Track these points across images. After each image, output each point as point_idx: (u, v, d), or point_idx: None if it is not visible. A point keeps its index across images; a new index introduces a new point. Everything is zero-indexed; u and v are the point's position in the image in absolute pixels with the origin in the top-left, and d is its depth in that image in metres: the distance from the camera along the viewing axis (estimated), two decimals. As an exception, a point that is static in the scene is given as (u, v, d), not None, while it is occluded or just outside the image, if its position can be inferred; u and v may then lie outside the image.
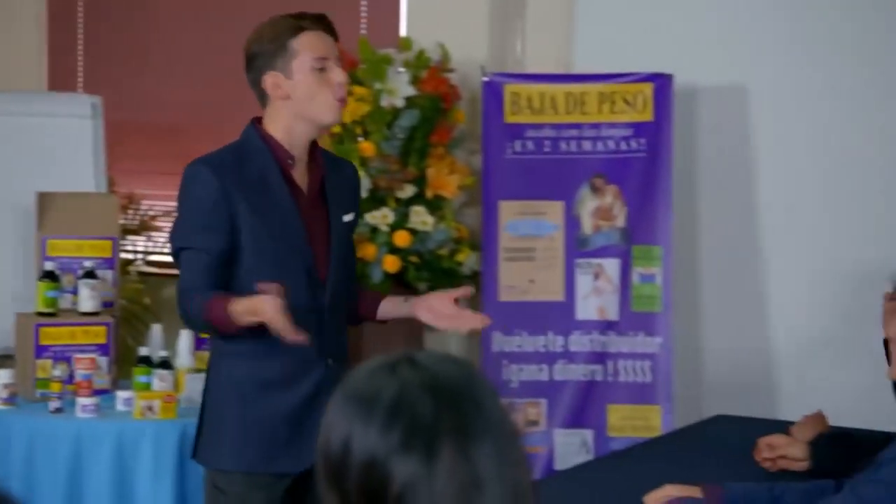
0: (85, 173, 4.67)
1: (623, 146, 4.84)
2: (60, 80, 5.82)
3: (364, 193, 4.89)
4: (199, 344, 4.40)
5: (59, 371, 4.25)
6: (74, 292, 4.42)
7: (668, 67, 4.82)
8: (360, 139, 4.96)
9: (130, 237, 5.73)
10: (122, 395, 4.19)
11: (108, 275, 4.51)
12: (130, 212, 5.76)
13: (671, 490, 2.78)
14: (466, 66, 5.09)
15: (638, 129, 4.82)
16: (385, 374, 1.41)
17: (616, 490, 3.12)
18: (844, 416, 3.65)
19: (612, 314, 4.82)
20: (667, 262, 4.80)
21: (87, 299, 4.39)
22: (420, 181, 4.95)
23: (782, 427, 3.45)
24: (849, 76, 4.79)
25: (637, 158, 4.82)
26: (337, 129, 4.95)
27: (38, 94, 5.60)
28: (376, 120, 4.92)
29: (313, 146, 3.17)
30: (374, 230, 4.88)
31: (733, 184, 4.97)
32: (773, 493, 2.78)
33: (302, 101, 3.08)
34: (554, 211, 4.87)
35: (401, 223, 4.90)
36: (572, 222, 4.86)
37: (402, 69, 4.98)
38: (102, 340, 4.40)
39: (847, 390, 4.58)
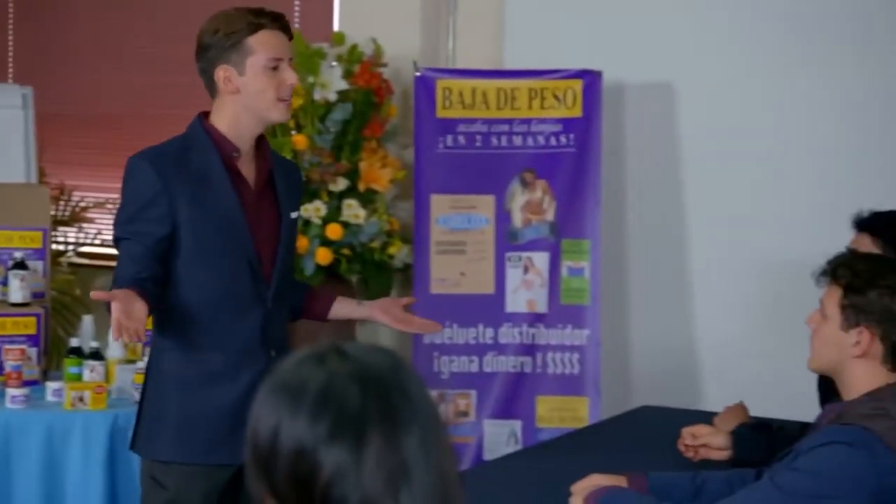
0: (15, 164, 4.65)
1: (553, 141, 4.90)
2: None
3: (297, 186, 4.92)
4: (130, 335, 4.39)
5: (-13, 362, 4.23)
6: (4, 283, 4.40)
7: (597, 64, 4.88)
8: (293, 132, 4.98)
9: (61, 228, 5.71)
10: (52, 385, 4.18)
11: (38, 265, 4.49)
12: (62, 203, 5.74)
13: (598, 479, 2.81)
14: (399, 60, 5.12)
15: (567, 124, 4.88)
16: (313, 365, 1.42)
17: (544, 480, 3.16)
18: (765, 407, 3.71)
19: (542, 307, 4.88)
20: (595, 256, 4.87)
21: (17, 290, 4.37)
22: (352, 174, 4.98)
23: (706, 417, 3.51)
24: (772, 73, 4.87)
25: (566, 154, 4.89)
26: (270, 122, 4.97)
27: (-31, 84, 5.56)
28: (309, 113, 4.95)
29: (260, 140, 3.18)
30: (307, 223, 4.90)
31: (660, 179, 5.04)
32: (696, 482, 2.84)
33: (251, 98, 3.07)
34: (485, 205, 4.92)
35: (333, 216, 4.92)
36: (503, 216, 4.91)
37: (334, 63, 5.00)
38: (32, 331, 4.38)
39: (768, 382, 4.67)
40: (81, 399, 4.06)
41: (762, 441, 3.23)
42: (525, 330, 4.88)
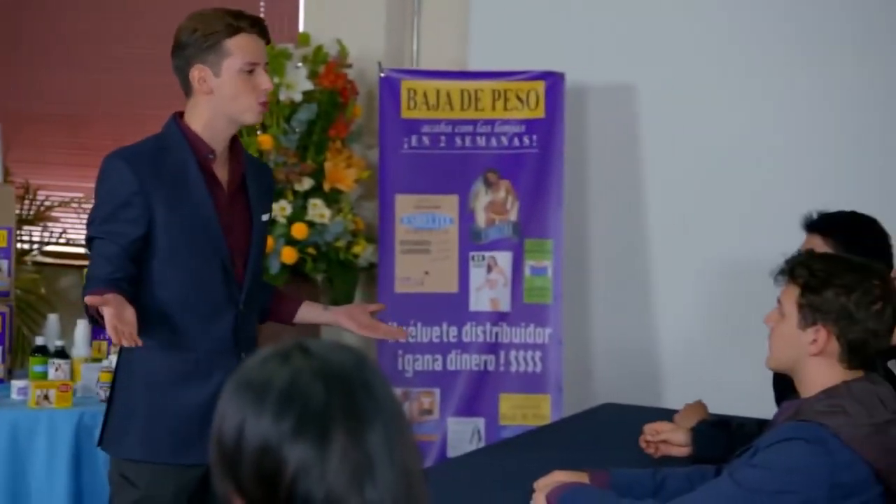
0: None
1: (516, 142, 4.94)
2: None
3: (262, 186, 4.94)
4: (95, 334, 4.40)
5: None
6: (-31, 282, 4.39)
7: (560, 66, 4.92)
8: (258, 132, 4.99)
9: (26, 227, 5.70)
10: (17, 384, 4.17)
11: (3, 264, 4.48)
12: (26, 202, 5.72)
13: (560, 476, 2.83)
14: (363, 61, 5.14)
15: (530, 125, 4.92)
16: (277, 363, 1.43)
17: (507, 476, 3.17)
18: (724, 405, 3.75)
19: (505, 306, 4.92)
20: (557, 256, 4.91)
21: (-18, 289, 4.37)
22: (318, 174, 5.00)
23: (666, 415, 3.53)
24: (732, 74, 4.92)
25: (529, 154, 4.93)
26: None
27: None
28: (275, 114, 4.97)
29: (234, 142, 3.18)
30: (272, 222, 4.92)
31: (622, 179, 5.09)
32: (656, 478, 2.86)
33: (225, 100, 3.07)
34: (449, 205, 4.95)
35: (298, 215, 4.94)
36: (466, 216, 4.95)
37: (300, 64, 5.03)
38: (-3, 330, 4.38)
39: (727, 380, 4.71)
40: (46, 397, 4.06)
41: (721, 438, 3.26)
42: (488, 328, 4.92)
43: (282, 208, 4.91)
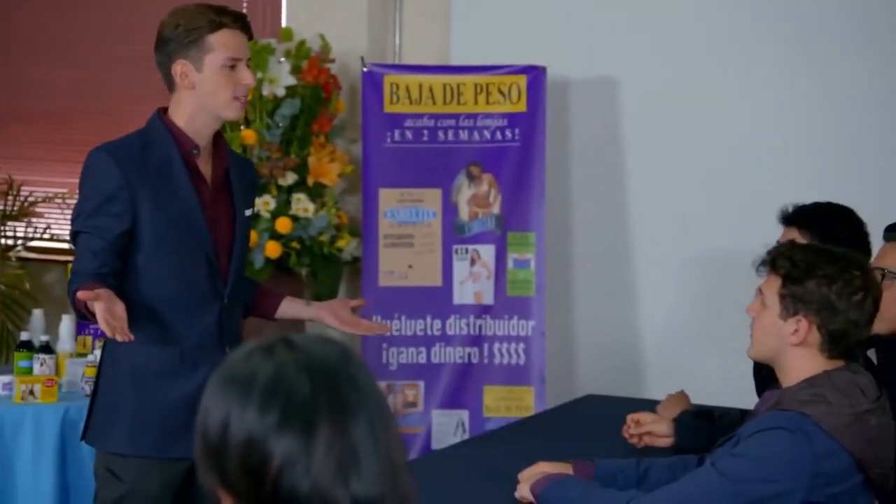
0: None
1: (498, 136, 4.95)
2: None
3: (246, 181, 4.95)
4: (80, 329, 4.41)
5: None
6: (-46, 278, 4.39)
7: (542, 60, 4.94)
8: (242, 127, 5.00)
9: (10, 223, 5.70)
10: (2, 379, 4.16)
11: (-13, 261, 4.48)
12: (10, 197, 5.72)
13: (544, 467, 2.84)
14: (346, 56, 5.15)
15: (512, 119, 4.94)
16: (261, 357, 1.43)
17: (491, 468, 3.18)
18: (706, 395, 3.77)
19: (488, 298, 4.94)
20: (540, 248, 4.93)
21: (-33, 285, 4.37)
22: (301, 169, 5.01)
23: (649, 406, 3.56)
24: (712, 67, 4.94)
25: (512, 148, 4.95)
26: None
27: None
28: (258, 109, 4.98)
29: (218, 138, 3.19)
30: (256, 217, 4.93)
31: (604, 173, 5.11)
32: (640, 468, 2.88)
33: (206, 95, 3.08)
34: (432, 198, 4.97)
35: (282, 210, 4.96)
36: (450, 209, 4.96)
37: (283, 59, 5.03)
38: (-18, 325, 4.37)
39: (709, 370, 4.74)
40: (32, 392, 4.06)
41: (704, 428, 3.28)
42: (472, 321, 4.94)
43: (265, 203, 4.92)
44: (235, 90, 3.08)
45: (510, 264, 4.95)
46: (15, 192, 5.73)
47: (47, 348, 4.25)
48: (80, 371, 4.21)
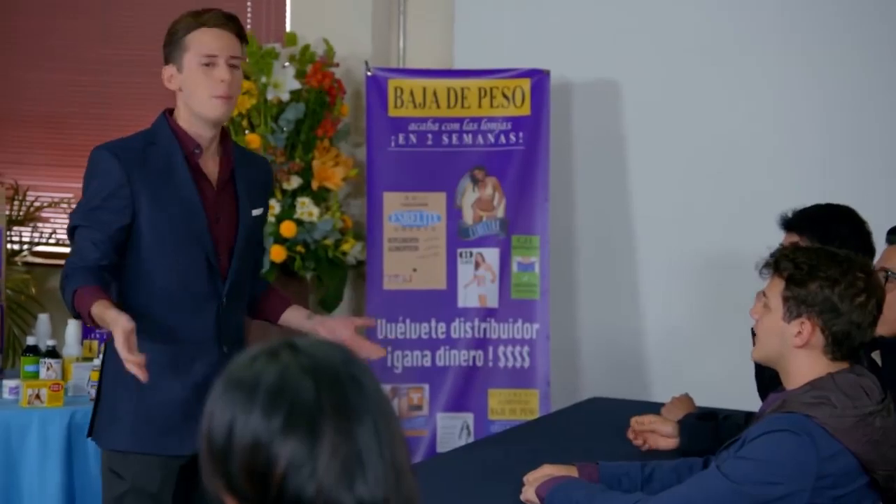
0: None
1: (502, 139, 4.97)
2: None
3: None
4: (86, 333, 4.41)
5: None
6: (-40, 283, 4.40)
7: (545, 64, 4.95)
8: (246, 132, 5.02)
9: (16, 228, 5.71)
10: (8, 383, 4.18)
11: (-7, 266, 4.50)
12: (16, 202, 5.73)
13: (549, 469, 2.85)
14: (350, 61, 5.17)
15: (516, 122, 4.95)
16: (266, 360, 1.43)
17: (496, 471, 3.19)
18: (711, 398, 3.78)
19: (493, 301, 4.95)
20: (544, 252, 4.94)
21: (-26, 290, 4.37)
22: (306, 173, 5.02)
23: (653, 408, 3.57)
24: (715, 70, 4.95)
25: (516, 151, 4.96)
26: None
27: None
28: (262, 113, 4.99)
29: (225, 137, 3.20)
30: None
31: (607, 175, 5.11)
32: (644, 471, 2.88)
33: (188, 95, 3.10)
34: (436, 202, 4.98)
35: (287, 214, 4.97)
36: (454, 213, 4.97)
37: (287, 64, 5.05)
38: (-11, 330, 4.39)
39: (713, 373, 4.75)
40: (38, 396, 4.07)
41: (708, 430, 3.28)
42: (476, 324, 4.95)
43: (270, 207, 4.92)
44: (212, 88, 3.07)
45: (514, 267, 4.96)
46: (21, 198, 5.74)
47: (53, 353, 4.27)
48: (86, 375, 4.22)
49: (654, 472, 2.88)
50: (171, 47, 3.12)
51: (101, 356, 4.27)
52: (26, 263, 5.70)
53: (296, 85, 4.98)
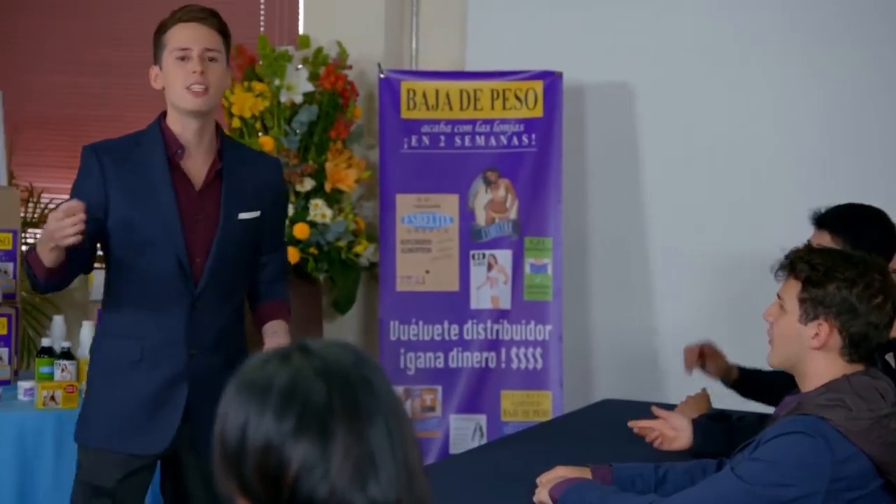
0: (-15, 166, 4.66)
1: (515, 141, 4.97)
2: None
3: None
4: (101, 335, 4.42)
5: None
6: (-25, 285, 4.42)
7: (557, 66, 4.96)
8: (259, 134, 5.03)
9: (31, 230, 5.72)
10: (23, 385, 4.18)
11: (8, 267, 4.50)
12: (31, 205, 5.75)
13: (562, 471, 2.85)
14: (363, 63, 5.18)
15: (529, 124, 4.95)
16: (277, 363, 1.43)
17: (510, 472, 3.19)
18: (724, 398, 3.78)
19: (505, 303, 4.95)
20: (557, 253, 4.94)
21: (-12, 291, 4.39)
22: (319, 175, 5.03)
23: (667, 409, 3.55)
24: (728, 72, 4.95)
25: (528, 153, 4.96)
26: (237, 124, 5.02)
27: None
28: (275, 115, 5.00)
29: (223, 138, 3.20)
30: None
31: (620, 177, 5.12)
32: (658, 473, 2.88)
33: (168, 92, 3.13)
34: (449, 204, 4.99)
35: (300, 216, 4.98)
36: (467, 215, 4.98)
37: (300, 66, 5.06)
38: (3, 331, 4.39)
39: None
40: (53, 398, 4.09)
41: (722, 432, 3.27)
42: (489, 326, 4.95)
43: (283, 209, 4.94)
44: (185, 79, 3.08)
45: (527, 269, 4.96)
46: (35, 200, 5.76)
47: (68, 354, 4.28)
48: (100, 377, 4.22)
49: (668, 474, 2.88)
50: (155, 47, 3.15)
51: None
52: (41, 265, 5.70)
53: (309, 87, 4.99)
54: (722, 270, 4.96)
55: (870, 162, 4.78)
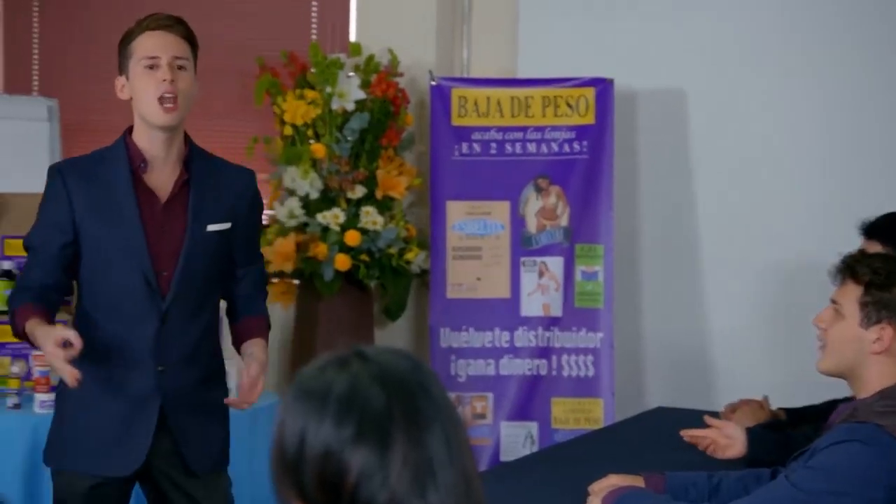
0: (41, 175, 4.71)
1: (566, 148, 4.96)
2: (16, 83, 5.80)
3: (315, 194, 4.99)
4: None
5: (17, 368, 4.26)
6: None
7: (609, 72, 4.95)
8: (311, 141, 5.05)
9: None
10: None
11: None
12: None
13: (614, 480, 2.83)
14: (414, 70, 5.19)
15: (580, 131, 4.95)
16: (335, 370, 1.43)
17: (561, 481, 3.18)
18: (778, 407, 3.75)
19: (556, 310, 4.94)
20: (608, 260, 4.93)
21: (44, 298, 4.42)
22: (370, 182, 5.05)
23: (719, 418, 3.54)
24: (780, 79, 4.92)
25: (580, 160, 4.95)
26: (289, 132, 5.04)
27: (-5, 96, 5.58)
28: (327, 123, 5.02)
29: (191, 149, 3.10)
30: (326, 230, 4.97)
31: (672, 184, 5.10)
32: (712, 481, 2.86)
33: (136, 102, 3.03)
34: (500, 211, 4.99)
35: (351, 223, 4.99)
36: (517, 222, 4.98)
37: (352, 73, 5.08)
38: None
39: (781, 382, 4.71)
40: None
41: (777, 440, 3.24)
42: (540, 333, 4.95)
43: (335, 216, 4.96)
44: (156, 89, 2.99)
45: (578, 276, 4.95)
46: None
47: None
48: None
49: (722, 483, 2.86)
50: (120, 57, 3.06)
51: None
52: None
53: (360, 95, 5.01)
54: (775, 276, 4.94)
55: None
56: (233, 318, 3.24)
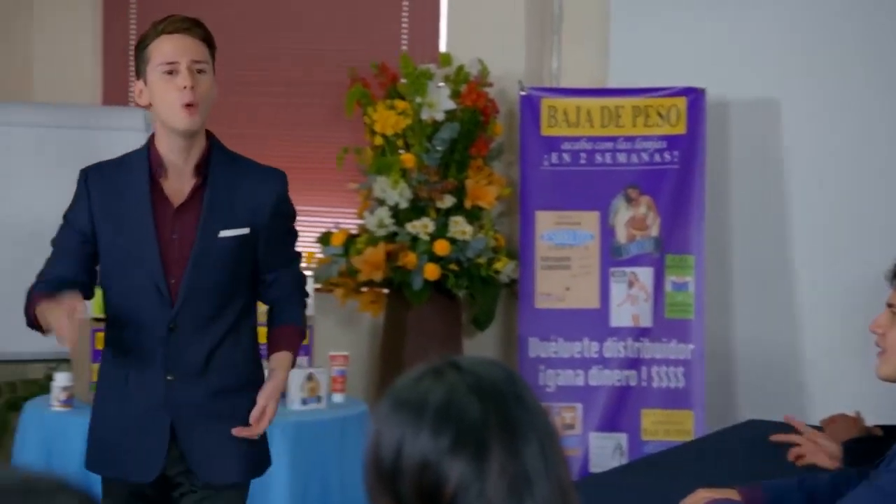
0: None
1: (657, 158, 4.94)
2: (114, 94, 5.87)
3: (405, 204, 5.01)
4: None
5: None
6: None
7: (701, 82, 4.92)
8: (401, 151, 5.08)
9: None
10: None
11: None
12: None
13: (705, 494, 2.78)
14: (504, 80, 5.19)
15: (671, 141, 4.92)
16: (431, 380, 1.43)
17: (651, 494, 3.16)
18: (871, 419, 3.69)
19: (646, 321, 4.92)
20: (699, 271, 4.89)
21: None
22: (459, 192, 5.06)
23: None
24: (879, 90, 4.86)
25: (670, 170, 4.92)
26: (379, 142, 5.08)
27: (94, 108, 5.60)
28: (417, 133, 5.05)
29: (217, 153, 3.06)
30: (415, 239, 5.00)
31: (764, 194, 5.05)
32: (804, 487, 2.80)
33: (156, 108, 2.98)
34: (589, 221, 4.97)
35: (441, 232, 5.01)
36: (607, 232, 4.96)
37: (442, 84, 5.10)
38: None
39: (874, 394, 4.64)
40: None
41: (873, 451, 3.20)
42: (630, 344, 4.93)
43: (424, 225, 4.99)
44: (177, 97, 2.94)
45: (668, 287, 4.92)
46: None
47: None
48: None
49: (815, 491, 2.81)
50: (137, 61, 3.01)
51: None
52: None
53: (450, 105, 5.03)
54: (868, 289, 4.85)
55: None
56: (269, 324, 3.17)
